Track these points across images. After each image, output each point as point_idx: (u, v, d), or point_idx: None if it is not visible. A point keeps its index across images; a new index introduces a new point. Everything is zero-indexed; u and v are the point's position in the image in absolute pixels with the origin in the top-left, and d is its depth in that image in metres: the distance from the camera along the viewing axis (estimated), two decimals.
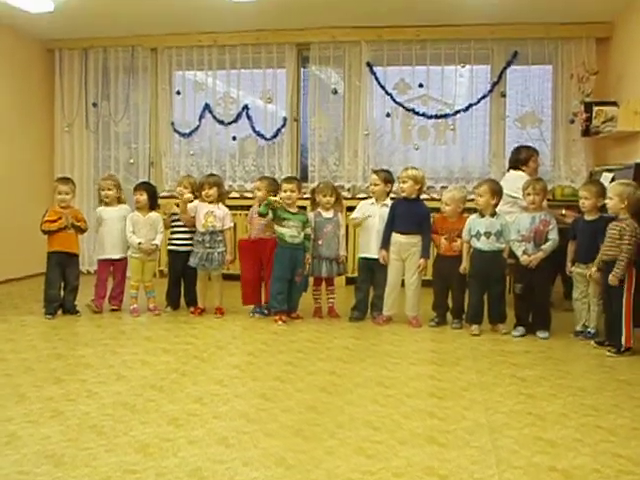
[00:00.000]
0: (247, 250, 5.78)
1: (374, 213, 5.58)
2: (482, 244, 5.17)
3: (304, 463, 2.73)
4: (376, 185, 5.61)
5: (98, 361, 4.31)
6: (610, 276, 4.55)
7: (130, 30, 7.76)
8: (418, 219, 5.43)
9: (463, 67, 7.52)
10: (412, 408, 3.42)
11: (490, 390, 3.76)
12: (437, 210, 5.69)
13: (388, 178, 5.66)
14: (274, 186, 5.80)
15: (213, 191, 5.73)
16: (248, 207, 6.17)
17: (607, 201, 4.73)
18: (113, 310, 5.87)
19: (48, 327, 5.35)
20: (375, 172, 5.75)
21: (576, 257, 5.08)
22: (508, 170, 6.36)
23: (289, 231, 5.46)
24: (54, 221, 5.61)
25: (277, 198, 5.48)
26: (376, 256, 5.51)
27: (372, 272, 5.59)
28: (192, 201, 5.77)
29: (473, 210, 5.45)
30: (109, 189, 5.88)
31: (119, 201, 5.95)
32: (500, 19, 7.00)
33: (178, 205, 5.92)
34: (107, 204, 5.90)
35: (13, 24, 7.29)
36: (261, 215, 5.52)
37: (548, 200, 5.72)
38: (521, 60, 7.36)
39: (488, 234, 5.16)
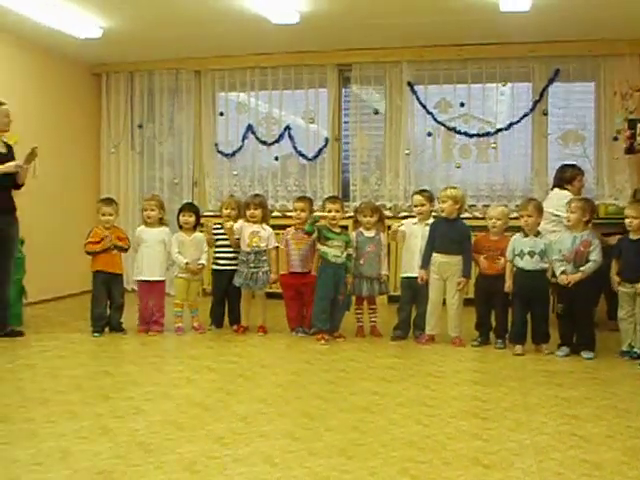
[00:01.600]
0: (289, 287, 5.85)
1: (417, 233, 5.60)
2: (526, 263, 5.15)
3: None
4: (422, 205, 5.63)
5: (145, 379, 4.40)
6: None
7: (174, 53, 7.93)
8: (458, 239, 5.43)
9: (504, 85, 7.52)
10: (456, 429, 3.43)
11: (534, 411, 3.74)
12: (480, 229, 5.68)
13: (431, 197, 5.70)
14: (312, 205, 5.91)
15: (258, 212, 5.81)
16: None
17: None
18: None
19: (95, 345, 5.47)
20: (419, 193, 5.76)
21: (621, 276, 5.03)
22: (552, 188, 6.32)
23: (332, 250, 5.51)
24: (97, 242, 5.75)
25: (322, 214, 5.57)
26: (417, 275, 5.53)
27: (414, 291, 5.60)
28: (236, 221, 5.87)
29: (511, 228, 5.45)
30: (152, 209, 5.95)
31: (161, 222, 6.01)
32: (541, 37, 7.00)
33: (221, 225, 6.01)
34: (148, 224, 5.97)
35: (62, 49, 7.51)
36: (307, 234, 5.58)
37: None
38: (563, 77, 7.33)
39: (532, 253, 5.13)
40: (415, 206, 5.74)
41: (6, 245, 5.54)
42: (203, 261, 5.93)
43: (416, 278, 5.53)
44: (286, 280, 5.87)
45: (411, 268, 5.60)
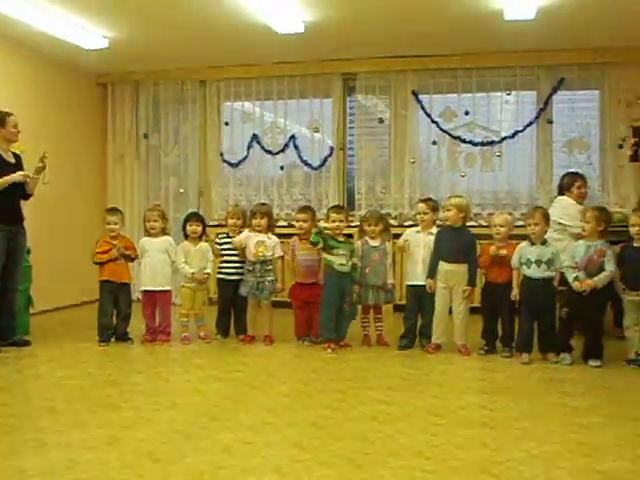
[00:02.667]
0: (297, 298, 5.85)
1: (420, 241, 5.61)
2: (532, 272, 5.14)
3: None
4: (425, 214, 5.65)
5: (152, 388, 4.41)
6: None
7: (179, 64, 7.97)
8: (464, 247, 5.44)
9: (509, 94, 7.53)
10: (464, 438, 3.42)
11: (542, 420, 3.73)
12: (485, 237, 5.68)
13: (435, 206, 5.71)
14: (315, 216, 5.92)
15: (264, 221, 5.82)
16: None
17: None
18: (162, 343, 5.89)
19: (102, 354, 5.48)
20: (423, 201, 5.78)
21: (626, 284, 5.01)
22: (556, 196, 6.33)
23: (338, 259, 5.51)
24: (105, 252, 5.77)
25: (327, 225, 5.57)
26: (423, 283, 5.54)
27: (420, 300, 5.61)
28: (241, 230, 5.89)
29: (517, 237, 5.45)
30: (155, 220, 5.95)
31: (163, 232, 6.01)
32: (545, 45, 7.02)
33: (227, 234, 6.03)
34: (152, 235, 5.97)
35: (67, 60, 7.54)
36: (313, 244, 5.58)
37: None
38: (567, 85, 7.34)
39: (539, 262, 5.12)
40: (418, 214, 5.76)
41: (15, 254, 5.58)
42: (209, 270, 5.94)
43: (421, 286, 5.54)
44: (295, 291, 5.88)
45: (415, 276, 5.62)
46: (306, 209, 6.02)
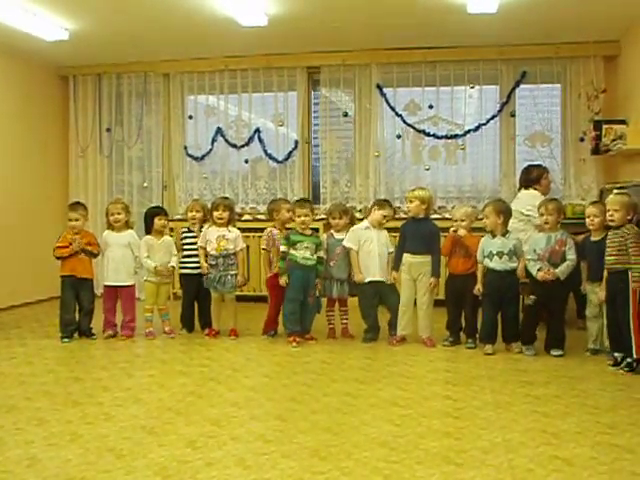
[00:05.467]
0: (274, 287, 5.74)
1: (372, 237, 5.61)
2: (495, 264, 5.19)
3: None
4: (385, 217, 5.66)
5: (115, 384, 4.35)
6: (632, 284, 4.52)
7: (142, 56, 7.88)
8: (427, 238, 5.46)
9: (472, 88, 7.58)
10: (428, 428, 3.44)
11: (505, 409, 3.77)
12: (449, 230, 5.70)
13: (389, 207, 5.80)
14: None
15: (226, 214, 5.78)
16: (261, 229, 6.22)
17: (612, 214, 4.71)
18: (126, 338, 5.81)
19: (65, 351, 5.41)
20: (379, 205, 5.75)
21: (588, 276, 5.09)
22: (519, 189, 6.39)
23: (302, 253, 5.48)
24: (66, 247, 5.70)
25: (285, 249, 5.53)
26: (380, 278, 5.53)
27: (379, 294, 5.61)
28: (202, 224, 5.87)
29: (480, 229, 5.51)
30: (119, 213, 5.88)
31: (127, 225, 5.95)
32: (508, 40, 7.08)
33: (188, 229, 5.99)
34: (115, 229, 5.90)
35: (27, 51, 7.41)
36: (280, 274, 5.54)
37: None
38: (530, 79, 7.43)
39: (501, 254, 5.18)
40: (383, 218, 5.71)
41: None
42: (173, 263, 5.90)
43: (377, 282, 5.54)
44: (273, 281, 5.78)
45: (369, 273, 5.57)
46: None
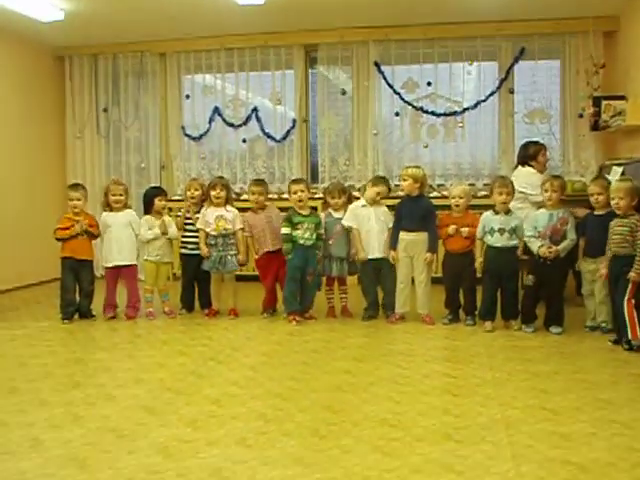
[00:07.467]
0: (265, 268, 5.81)
1: (369, 215, 5.60)
2: (496, 240, 5.18)
3: (322, 462, 2.78)
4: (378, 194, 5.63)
5: (116, 365, 4.37)
6: (632, 273, 4.50)
7: (138, 36, 7.83)
8: (423, 215, 5.44)
9: (471, 64, 7.54)
10: (427, 405, 3.46)
11: (504, 386, 3.79)
12: (447, 208, 5.69)
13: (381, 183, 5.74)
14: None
15: (224, 193, 5.77)
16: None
17: (617, 202, 4.68)
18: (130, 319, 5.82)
19: (66, 332, 5.42)
20: (373, 182, 5.73)
21: (586, 252, 5.08)
22: (516, 166, 6.37)
23: (301, 233, 5.48)
24: (67, 228, 5.69)
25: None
26: (379, 255, 5.54)
27: (377, 272, 5.62)
28: (200, 204, 5.86)
29: (477, 207, 5.49)
30: (121, 195, 5.87)
31: (126, 206, 5.94)
32: (506, 15, 7.03)
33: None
34: (114, 209, 5.87)
35: (23, 32, 7.36)
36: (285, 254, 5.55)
37: None
38: (528, 56, 7.39)
39: (502, 231, 5.16)
40: (377, 195, 5.69)
41: None
42: (173, 230, 5.91)
43: (377, 260, 5.55)
44: (261, 262, 5.82)
45: (371, 250, 5.58)
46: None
